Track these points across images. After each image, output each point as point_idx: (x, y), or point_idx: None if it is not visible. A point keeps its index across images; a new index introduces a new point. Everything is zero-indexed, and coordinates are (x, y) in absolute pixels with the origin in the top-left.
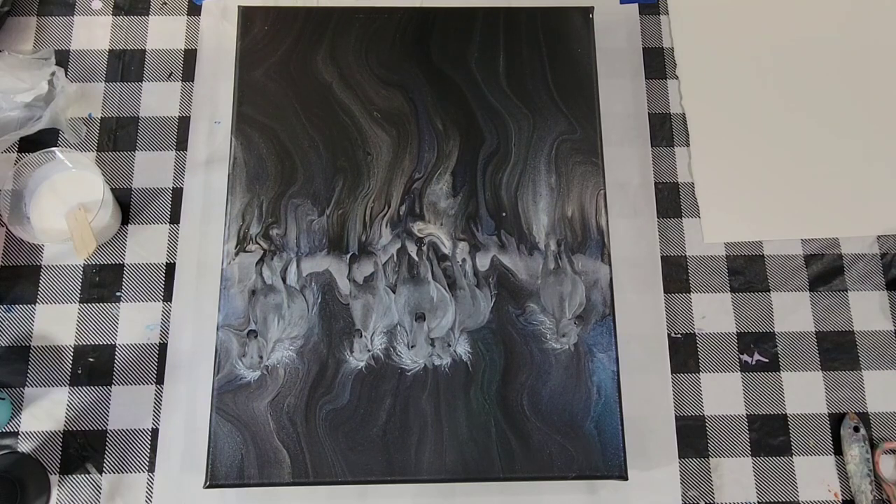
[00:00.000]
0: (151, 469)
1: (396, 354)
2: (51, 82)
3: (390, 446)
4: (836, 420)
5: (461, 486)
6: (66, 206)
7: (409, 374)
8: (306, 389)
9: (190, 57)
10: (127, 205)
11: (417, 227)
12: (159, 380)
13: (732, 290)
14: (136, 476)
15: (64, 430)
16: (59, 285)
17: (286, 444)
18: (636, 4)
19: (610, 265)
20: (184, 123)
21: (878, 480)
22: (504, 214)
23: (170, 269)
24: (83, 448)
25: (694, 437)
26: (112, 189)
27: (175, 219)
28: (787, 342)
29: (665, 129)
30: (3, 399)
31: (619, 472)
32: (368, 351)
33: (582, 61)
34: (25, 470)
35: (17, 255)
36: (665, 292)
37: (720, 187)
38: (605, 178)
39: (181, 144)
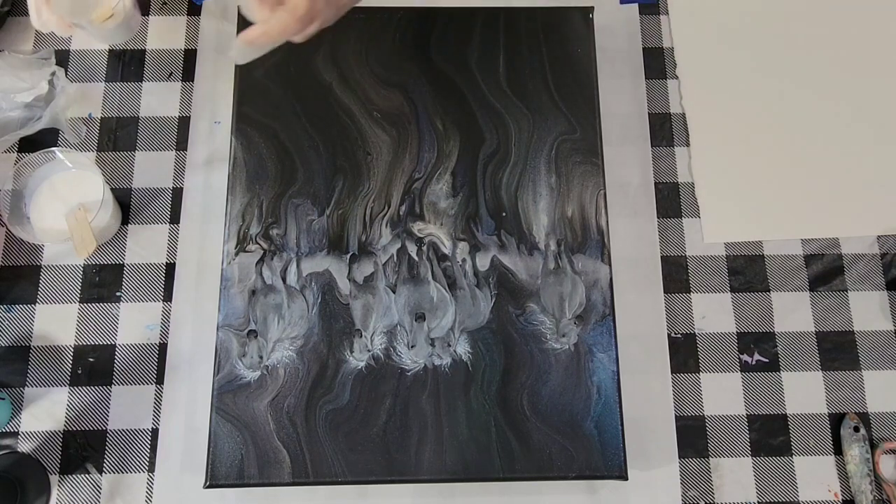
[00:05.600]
0: (151, 469)
1: (396, 354)
2: (51, 82)
3: (390, 446)
4: (836, 420)
5: (461, 486)
6: (66, 206)
7: (409, 374)
8: (306, 389)
9: (190, 57)
10: (127, 205)
11: (417, 227)
12: (159, 380)
13: (732, 290)
14: (136, 476)
15: (64, 430)
16: (59, 285)
17: (286, 444)
18: (636, 4)
19: (610, 265)
20: (184, 123)
21: (878, 480)
22: (504, 214)
23: (170, 269)
24: (83, 448)
25: (694, 437)
26: (112, 189)
27: (175, 219)
28: (787, 342)
29: (665, 129)
30: (3, 399)
31: (619, 472)
32: (368, 351)
33: (582, 61)
34: (25, 470)
35: (17, 255)
36: (665, 292)
37: (720, 187)
38: (605, 178)
39: (181, 144)
